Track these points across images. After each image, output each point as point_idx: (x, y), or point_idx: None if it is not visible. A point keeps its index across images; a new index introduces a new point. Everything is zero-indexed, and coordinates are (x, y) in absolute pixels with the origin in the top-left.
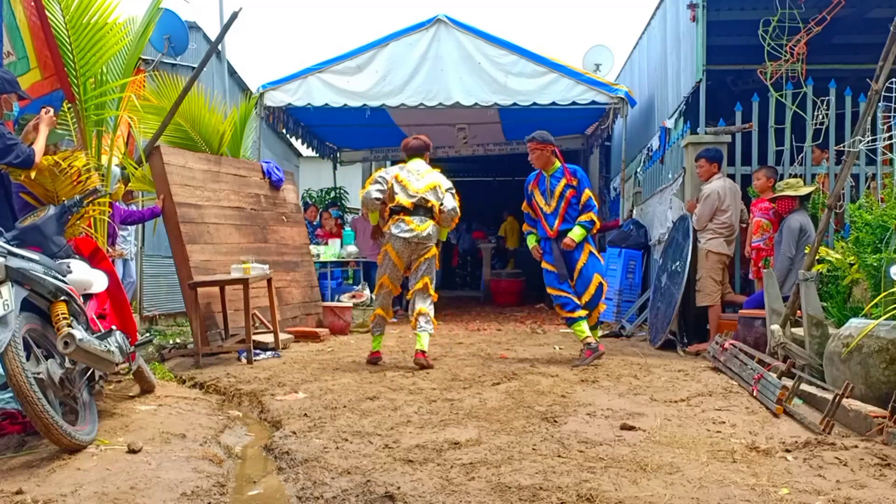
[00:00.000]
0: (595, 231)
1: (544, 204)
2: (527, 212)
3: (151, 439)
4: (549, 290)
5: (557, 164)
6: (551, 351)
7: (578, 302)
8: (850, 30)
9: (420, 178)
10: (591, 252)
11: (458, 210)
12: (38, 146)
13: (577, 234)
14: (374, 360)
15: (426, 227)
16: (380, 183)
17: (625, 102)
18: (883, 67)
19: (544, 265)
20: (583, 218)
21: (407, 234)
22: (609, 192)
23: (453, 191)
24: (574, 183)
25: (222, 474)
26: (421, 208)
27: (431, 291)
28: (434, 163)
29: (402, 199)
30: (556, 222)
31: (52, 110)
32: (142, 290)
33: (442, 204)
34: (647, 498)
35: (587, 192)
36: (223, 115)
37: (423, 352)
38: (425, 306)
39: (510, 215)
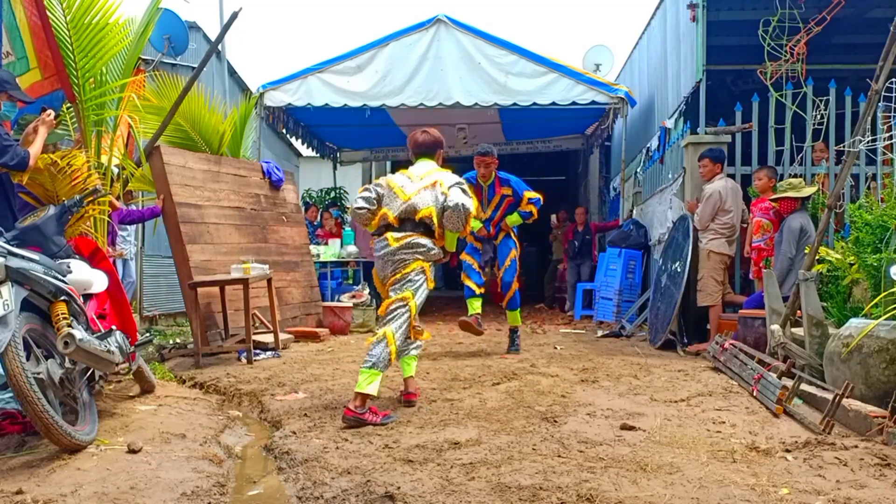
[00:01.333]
0: (532, 220)
1: (481, 211)
2: None
3: (151, 439)
4: (464, 279)
5: (493, 176)
6: (551, 351)
7: (476, 291)
8: (850, 30)
9: (418, 181)
10: (515, 257)
11: (465, 207)
12: (34, 149)
13: (512, 219)
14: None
15: (406, 238)
16: (369, 190)
17: (625, 102)
18: (883, 67)
19: (465, 257)
20: (525, 208)
21: (381, 251)
22: (609, 192)
23: (463, 186)
24: (508, 192)
25: (222, 474)
26: (408, 222)
27: (413, 312)
28: None
29: (387, 211)
30: (493, 227)
31: (52, 112)
32: (142, 290)
33: (445, 202)
34: (647, 498)
35: (528, 194)
36: (223, 115)
37: (359, 397)
38: (391, 329)
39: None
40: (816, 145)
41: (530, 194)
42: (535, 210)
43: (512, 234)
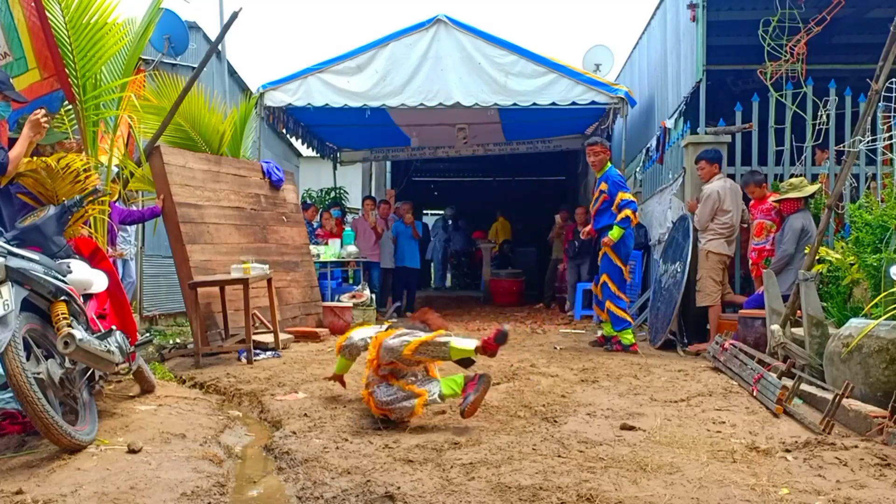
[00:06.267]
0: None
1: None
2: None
3: (151, 439)
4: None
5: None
6: (551, 351)
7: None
8: (850, 30)
9: None
10: (606, 281)
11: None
12: (15, 152)
13: (614, 233)
14: None
15: None
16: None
17: (625, 102)
18: (883, 67)
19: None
20: (620, 215)
21: None
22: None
23: None
24: (605, 188)
25: (222, 474)
26: None
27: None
28: (434, 162)
29: None
30: (591, 227)
31: (40, 112)
32: (142, 290)
33: None
34: (647, 498)
35: (621, 195)
36: (223, 115)
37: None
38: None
39: (501, 215)
40: (816, 150)
41: (625, 195)
42: (632, 215)
43: (610, 254)
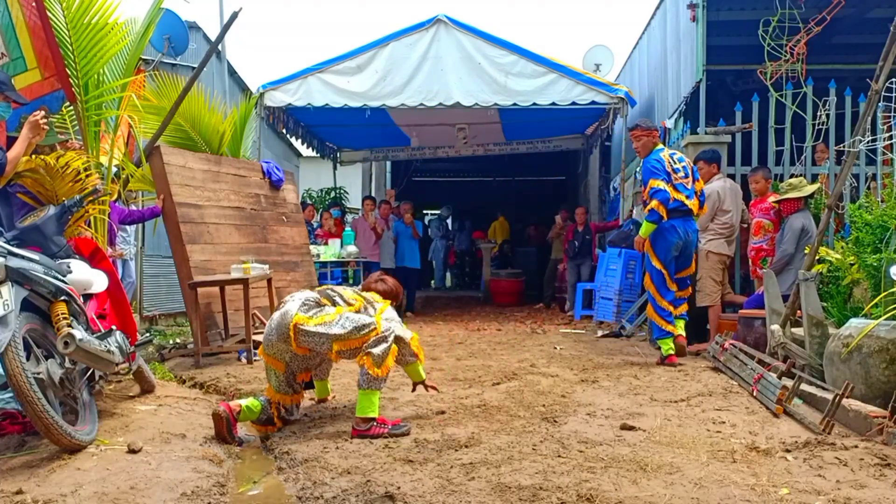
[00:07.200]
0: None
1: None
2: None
3: (151, 439)
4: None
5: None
6: (551, 351)
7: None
8: (850, 30)
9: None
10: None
11: None
12: (13, 153)
13: (643, 229)
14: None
15: None
16: None
17: (625, 102)
18: (883, 67)
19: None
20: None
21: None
22: (609, 192)
23: None
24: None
25: (222, 474)
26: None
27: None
28: (434, 162)
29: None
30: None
31: (40, 113)
32: (142, 290)
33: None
34: (647, 498)
35: (651, 183)
36: (223, 115)
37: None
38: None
39: (501, 215)
40: (818, 146)
41: (654, 183)
42: (659, 207)
43: (648, 251)
